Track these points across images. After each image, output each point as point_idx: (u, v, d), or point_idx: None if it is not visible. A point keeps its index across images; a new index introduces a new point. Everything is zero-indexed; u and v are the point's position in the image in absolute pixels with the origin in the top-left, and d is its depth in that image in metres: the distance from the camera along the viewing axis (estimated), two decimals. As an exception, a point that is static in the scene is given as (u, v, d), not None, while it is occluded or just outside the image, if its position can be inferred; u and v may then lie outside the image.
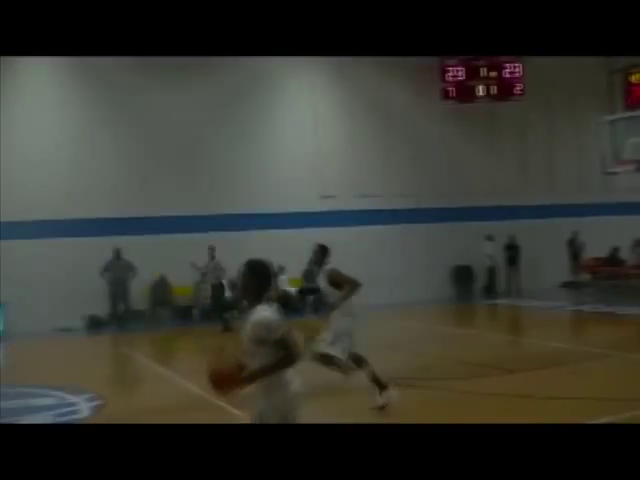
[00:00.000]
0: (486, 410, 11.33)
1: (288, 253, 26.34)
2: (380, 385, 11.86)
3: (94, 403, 12.91)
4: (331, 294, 12.27)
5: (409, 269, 28.67)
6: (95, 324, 24.69)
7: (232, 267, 26.20)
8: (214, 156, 26.83)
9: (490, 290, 30.29)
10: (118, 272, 24.73)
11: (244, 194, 27.04)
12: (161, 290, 25.90)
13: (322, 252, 12.64)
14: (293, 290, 26.83)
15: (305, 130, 28.30)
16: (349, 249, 27.43)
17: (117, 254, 24.68)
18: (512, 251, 30.29)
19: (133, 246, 24.66)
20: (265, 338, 6.23)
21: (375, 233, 28.71)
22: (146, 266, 24.71)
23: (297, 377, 6.39)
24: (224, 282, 23.97)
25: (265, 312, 6.38)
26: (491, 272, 30.44)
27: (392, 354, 17.35)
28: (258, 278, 6.56)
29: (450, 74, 28.06)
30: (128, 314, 24.97)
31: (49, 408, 12.53)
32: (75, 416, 12.04)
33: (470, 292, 30.34)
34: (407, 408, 11.51)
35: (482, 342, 19.14)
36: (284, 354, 6.22)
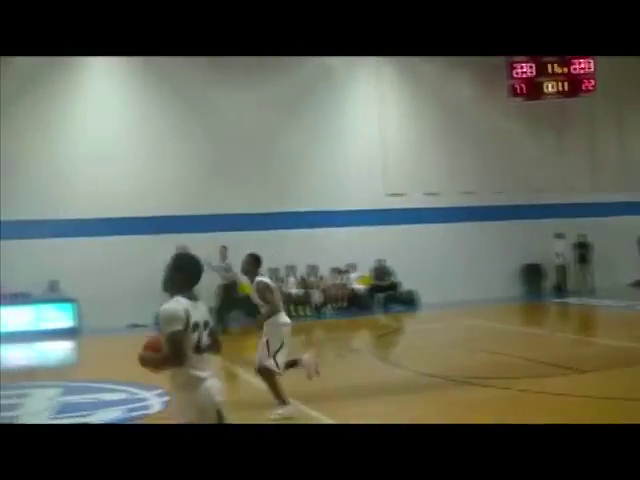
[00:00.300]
0: (554, 410, 11.21)
1: (356, 251, 26.49)
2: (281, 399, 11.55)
3: (165, 398, 13.04)
4: (261, 307, 11.95)
5: (478, 267, 28.48)
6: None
7: (301, 264, 26.52)
8: (280, 154, 26.93)
9: (560, 289, 30.00)
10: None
11: (310, 192, 27.11)
12: (230, 288, 26.01)
13: (252, 262, 12.27)
14: (362, 288, 26.86)
15: (370, 128, 28.29)
16: (416, 247, 27.48)
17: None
18: (583, 249, 29.94)
19: (200, 243, 24.86)
20: (162, 329, 6.12)
21: (443, 231, 28.58)
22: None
23: (210, 373, 6.31)
24: (234, 283, 23.38)
25: (173, 304, 6.21)
26: (561, 270, 30.14)
27: (461, 353, 17.32)
28: (182, 273, 6.48)
29: (518, 70, 27.73)
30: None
31: (120, 403, 12.67)
32: (146, 411, 12.15)
33: (540, 291, 30.02)
34: (474, 407, 11.48)
35: (552, 341, 18.95)
36: (166, 353, 6.07)
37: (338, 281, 26.82)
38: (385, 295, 27.25)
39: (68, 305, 23.66)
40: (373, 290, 27.12)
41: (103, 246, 24.29)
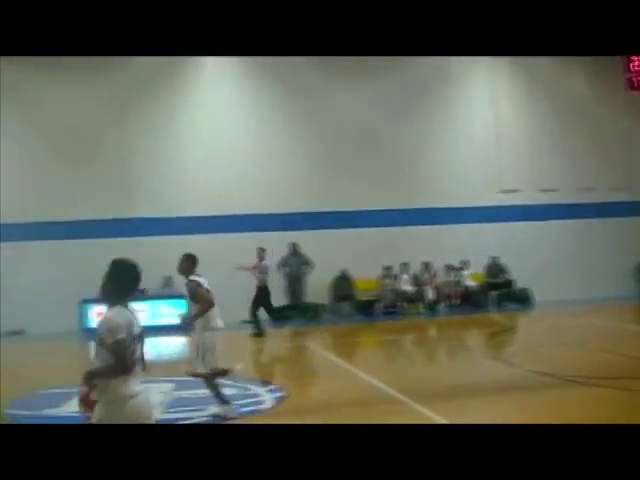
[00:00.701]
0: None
1: (469, 248, 26.27)
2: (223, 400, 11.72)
3: (278, 395, 13.14)
4: (192, 308, 11.98)
5: (593, 265, 27.91)
6: (277, 317, 25.06)
7: (415, 262, 26.42)
8: (393, 152, 26.92)
9: (680, 288, 29.17)
10: (295, 267, 25.08)
11: (424, 189, 26.99)
12: (342, 284, 26.10)
13: (187, 261, 12.27)
14: (475, 285, 26.62)
15: (485, 125, 28.00)
16: (531, 244, 27.09)
17: (294, 249, 25.02)
18: None
19: (314, 241, 25.00)
20: (104, 339, 5.95)
21: (558, 228, 28.13)
22: (328, 260, 24.97)
23: (142, 389, 6.16)
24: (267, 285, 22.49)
25: (114, 313, 6.06)
26: (681, 268, 29.32)
27: (575, 352, 17.02)
28: (118, 280, 6.22)
29: (636, 63, 27.07)
30: (309, 308, 25.25)
31: (233, 399, 12.83)
32: (259, 407, 12.32)
33: (658, 289, 29.24)
34: (588, 407, 11.27)
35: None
36: (111, 362, 5.93)
37: (451, 278, 26.66)
38: (499, 293, 26.98)
39: (182, 301, 24.01)
40: (487, 287, 26.87)
41: (218, 243, 24.54)
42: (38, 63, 23.38)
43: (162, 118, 25.51)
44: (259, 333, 21.87)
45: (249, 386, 13.94)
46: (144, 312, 23.85)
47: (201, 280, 12.12)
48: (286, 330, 23.91)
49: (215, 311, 11.87)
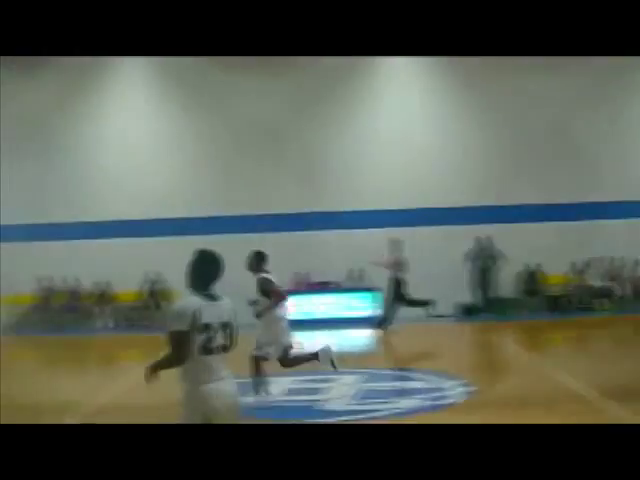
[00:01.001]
0: None
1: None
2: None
3: (466, 389, 13.10)
4: (262, 303, 12.14)
5: None
6: (467, 311, 24.97)
7: (604, 257, 25.70)
8: (582, 144, 26.07)
9: None
10: (484, 260, 24.89)
11: (612, 182, 26.12)
12: (529, 279, 25.73)
13: (256, 259, 12.33)
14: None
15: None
16: None
17: (484, 242, 24.83)
18: None
19: (498, 235, 24.70)
20: (168, 325, 6.03)
21: None
22: (513, 254, 24.59)
23: (225, 374, 6.16)
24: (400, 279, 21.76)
25: (183, 302, 6.16)
26: None
27: None
28: (197, 268, 6.29)
29: None
30: (496, 302, 25.03)
31: (421, 392, 12.93)
32: (446, 401, 12.36)
33: None
34: None
35: None
36: (168, 351, 6.02)
37: (643, 274, 25.81)
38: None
39: (373, 294, 24.21)
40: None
41: (405, 236, 24.41)
42: (229, 65, 24.15)
43: (346, 116, 25.95)
44: (385, 324, 21.81)
45: (437, 380, 13.98)
46: (332, 305, 24.42)
47: (269, 276, 12.42)
48: (473, 324, 23.84)
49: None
